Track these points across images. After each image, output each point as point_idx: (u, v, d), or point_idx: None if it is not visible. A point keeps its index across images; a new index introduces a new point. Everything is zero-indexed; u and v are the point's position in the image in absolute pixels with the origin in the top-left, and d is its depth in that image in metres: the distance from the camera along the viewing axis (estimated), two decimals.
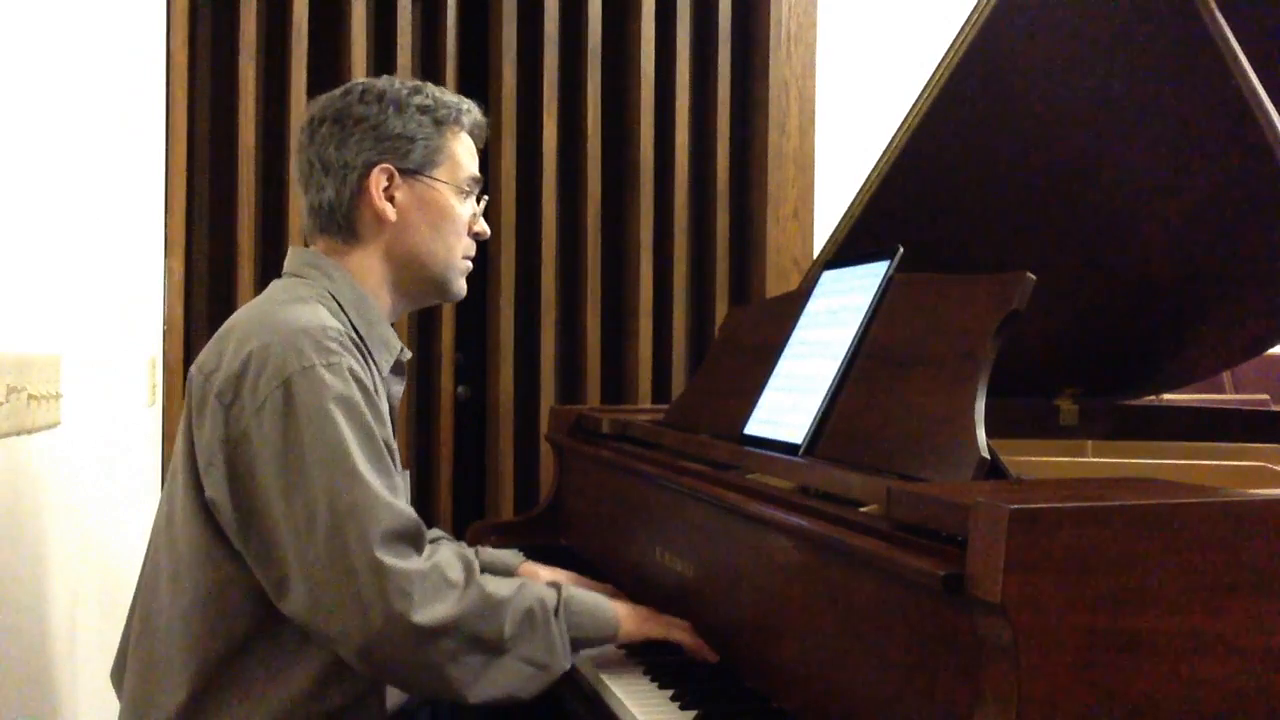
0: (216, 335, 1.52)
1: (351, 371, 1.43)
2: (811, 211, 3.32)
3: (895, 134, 2.02)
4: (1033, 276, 1.34)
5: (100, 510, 2.07)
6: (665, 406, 2.32)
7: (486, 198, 1.71)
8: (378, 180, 1.57)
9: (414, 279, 1.63)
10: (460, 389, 3.18)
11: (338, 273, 1.58)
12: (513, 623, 1.42)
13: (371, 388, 1.47)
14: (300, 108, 2.89)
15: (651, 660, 1.58)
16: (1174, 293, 2.08)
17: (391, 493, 1.40)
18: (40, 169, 1.68)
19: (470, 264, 1.68)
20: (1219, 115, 1.73)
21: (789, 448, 1.57)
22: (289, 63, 2.89)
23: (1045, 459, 1.74)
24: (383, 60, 3.03)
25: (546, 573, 1.89)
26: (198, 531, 1.43)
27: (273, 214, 2.95)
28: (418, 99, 1.60)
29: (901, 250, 1.62)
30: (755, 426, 1.72)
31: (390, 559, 1.34)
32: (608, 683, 1.52)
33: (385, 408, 1.56)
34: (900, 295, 1.58)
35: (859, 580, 1.25)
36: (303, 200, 1.63)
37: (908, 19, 3.36)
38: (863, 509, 1.34)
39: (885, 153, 2.04)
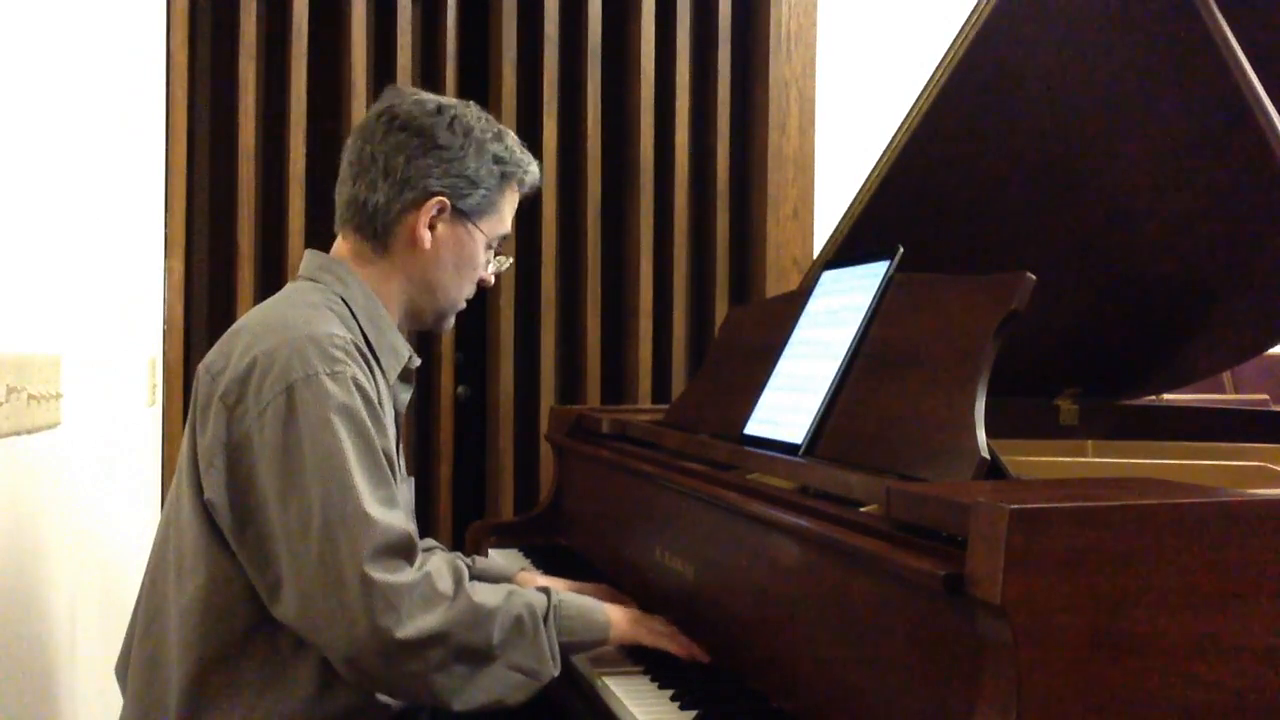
0: (226, 334, 1.52)
1: (355, 381, 1.43)
2: (811, 211, 3.32)
3: (895, 134, 2.02)
4: (1033, 276, 1.34)
5: (100, 510, 2.06)
6: (665, 406, 2.32)
7: (505, 257, 1.75)
8: (430, 208, 1.58)
9: (421, 305, 1.66)
10: (460, 389, 3.18)
11: (352, 278, 1.59)
12: (501, 630, 1.42)
13: (376, 398, 1.47)
14: (301, 108, 2.89)
15: (651, 660, 1.58)
16: (1174, 293, 2.08)
17: (387, 505, 1.40)
18: (40, 169, 1.68)
19: (464, 305, 1.73)
20: (1219, 115, 1.73)
21: (789, 448, 1.57)
22: (289, 63, 2.90)
23: (1045, 459, 1.74)
24: (382, 60, 3.04)
25: (544, 580, 1.88)
26: (198, 531, 1.43)
27: (273, 214, 2.95)
28: (496, 147, 1.62)
29: (901, 250, 1.62)
30: (755, 426, 1.71)
31: (379, 573, 1.34)
32: (608, 683, 1.52)
33: (390, 417, 1.56)
34: (900, 295, 1.57)
35: (859, 580, 1.25)
36: (346, 187, 1.62)
37: (908, 19, 3.36)
38: (863, 509, 1.34)
39: (885, 153, 2.04)
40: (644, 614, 1.64)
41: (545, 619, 1.48)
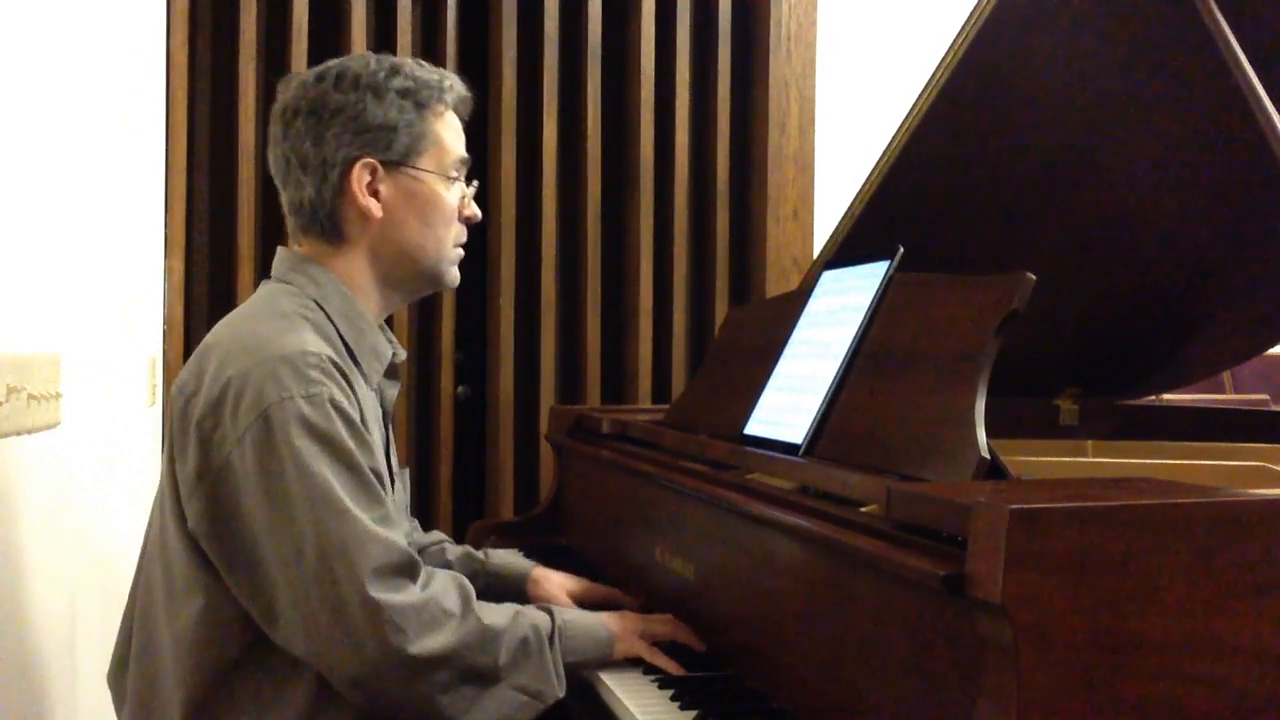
0: (198, 350, 1.46)
1: (333, 402, 1.37)
2: (811, 211, 3.32)
3: (895, 134, 2.02)
4: (1033, 276, 1.34)
5: (100, 510, 2.06)
6: (665, 406, 2.32)
7: (476, 182, 1.65)
8: (360, 177, 1.50)
9: (405, 274, 1.57)
10: (460, 389, 3.18)
11: (325, 278, 1.52)
12: (507, 652, 1.41)
13: (358, 413, 1.42)
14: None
15: None
16: (1174, 292, 2.08)
17: (384, 524, 1.37)
18: (40, 169, 1.68)
19: (462, 252, 1.62)
20: (1219, 115, 1.73)
21: (789, 448, 1.57)
22: (289, 63, 2.89)
23: (1045, 459, 1.74)
24: None
25: (559, 577, 1.88)
26: (187, 558, 1.40)
27: (273, 214, 2.93)
28: (397, 81, 1.51)
29: (901, 250, 1.62)
30: (755, 426, 1.71)
31: (383, 594, 1.32)
32: (608, 683, 1.52)
33: (377, 420, 1.53)
34: (900, 295, 1.57)
35: (859, 580, 1.25)
36: (283, 197, 1.56)
37: (908, 19, 3.36)
38: (863, 509, 1.34)
39: (885, 153, 2.04)
40: (646, 619, 1.63)
41: (551, 640, 1.47)
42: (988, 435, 1.28)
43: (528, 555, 2.20)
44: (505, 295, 3.12)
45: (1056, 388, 2.28)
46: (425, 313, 3.13)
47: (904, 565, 1.13)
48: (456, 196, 1.58)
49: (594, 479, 2.26)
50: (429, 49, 3.11)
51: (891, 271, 1.61)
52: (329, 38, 2.97)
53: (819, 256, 2.18)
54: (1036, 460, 1.70)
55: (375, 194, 1.52)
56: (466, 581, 1.47)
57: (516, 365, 3.15)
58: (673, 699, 1.44)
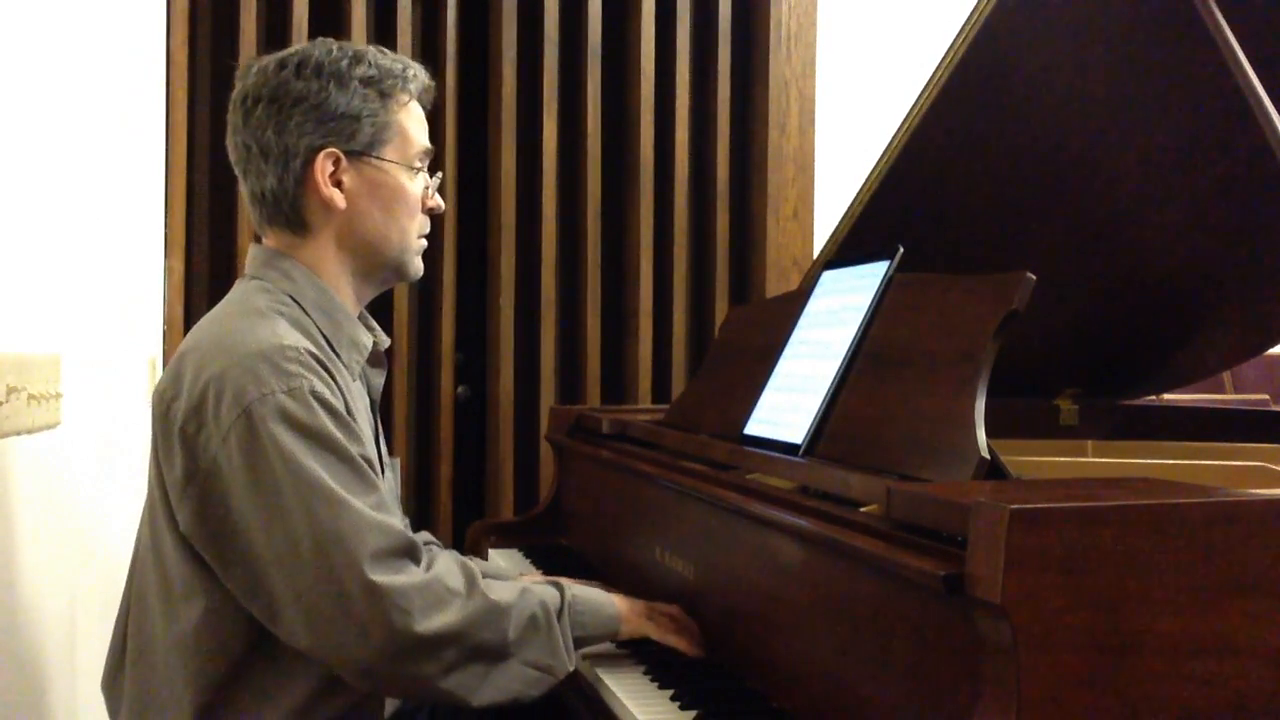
0: (175, 355, 1.45)
1: (314, 393, 1.36)
2: (811, 211, 3.32)
3: (895, 134, 2.02)
4: (1033, 276, 1.34)
5: (100, 510, 2.06)
6: (665, 406, 2.32)
7: (440, 174, 1.63)
8: (323, 166, 1.47)
9: (370, 265, 1.54)
10: (460, 389, 3.18)
11: (297, 271, 1.50)
12: (516, 627, 1.41)
13: (342, 403, 1.41)
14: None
15: (652, 660, 1.58)
16: (1174, 293, 2.08)
17: (377, 509, 1.36)
18: (40, 169, 1.68)
19: (425, 243, 1.60)
20: (1219, 115, 1.73)
21: (789, 448, 1.57)
22: None
23: (1045, 459, 1.74)
24: None
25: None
26: (184, 563, 1.39)
27: None
28: (360, 70, 1.49)
29: (901, 250, 1.62)
30: (755, 426, 1.71)
31: (384, 578, 1.32)
32: (608, 682, 1.52)
33: (363, 409, 1.52)
34: (900, 295, 1.57)
35: (859, 580, 1.25)
36: (242, 187, 1.54)
37: (908, 19, 3.36)
38: (863, 509, 1.34)
39: (885, 153, 2.04)
40: (653, 605, 1.63)
41: (559, 614, 1.47)
42: (988, 435, 1.28)
43: (528, 555, 2.21)
44: (505, 295, 3.12)
45: (1056, 388, 2.28)
46: (425, 313, 3.13)
47: (904, 565, 1.13)
48: (420, 187, 1.56)
49: (594, 479, 2.26)
50: (429, 49, 3.11)
51: (891, 271, 1.61)
52: (329, 37, 2.97)
53: (819, 256, 2.18)
54: (1036, 460, 1.70)
55: (339, 184, 1.50)
56: (470, 561, 1.47)
57: (516, 365, 3.15)
58: (673, 699, 1.44)
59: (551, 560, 2.19)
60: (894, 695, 1.18)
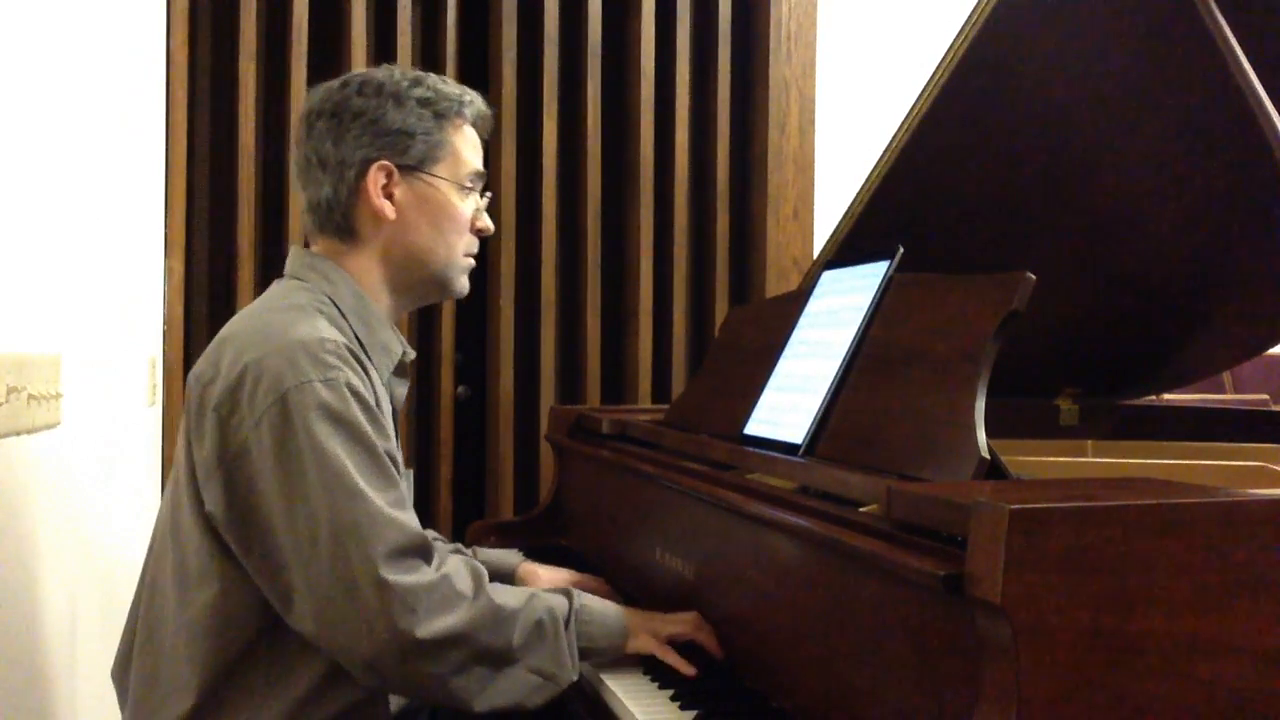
0: (214, 342, 1.49)
1: (350, 386, 1.40)
2: (811, 211, 3.32)
3: (895, 134, 2.02)
4: (1033, 276, 1.34)
5: (100, 510, 2.06)
6: (665, 406, 2.32)
7: (489, 194, 1.69)
8: (375, 178, 1.53)
9: (414, 278, 1.60)
10: (460, 389, 3.19)
11: (338, 275, 1.55)
12: (522, 633, 1.42)
13: (372, 399, 1.45)
14: (300, 107, 2.89)
15: (653, 660, 1.58)
16: (1174, 293, 2.08)
17: (398, 507, 1.39)
18: (40, 169, 1.68)
19: (473, 261, 1.65)
20: (1219, 115, 1.73)
21: (789, 448, 1.57)
22: (289, 63, 2.90)
23: (1045, 459, 1.74)
24: (382, 60, 3.02)
25: (546, 572, 1.89)
26: (203, 544, 1.41)
27: (273, 214, 2.95)
28: (418, 91, 1.57)
29: (901, 250, 1.62)
30: (755, 426, 1.71)
31: (395, 575, 1.33)
32: (608, 682, 1.52)
33: (389, 417, 1.54)
34: (900, 295, 1.57)
35: (859, 580, 1.25)
36: (301, 197, 1.60)
37: (908, 19, 3.36)
38: (863, 509, 1.34)
39: (885, 153, 2.04)
40: (666, 617, 1.60)
41: (566, 623, 1.47)
42: (988, 435, 1.28)
43: (528, 556, 2.21)
44: (505, 295, 3.12)
45: (1056, 388, 2.28)
46: (425, 312, 3.12)
47: (904, 565, 1.13)
48: (470, 207, 1.61)
49: (594, 479, 2.26)
50: (429, 49, 3.11)
51: (891, 271, 1.61)
52: (329, 38, 2.97)
53: (819, 256, 2.18)
54: (1036, 460, 1.70)
55: (390, 196, 1.55)
56: (479, 565, 1.48)
57: (516, 365, 3.15)
58: (673, 699, 1.45)
59: (551, 560, 2.19)
60: (894, 695, 1.18)
